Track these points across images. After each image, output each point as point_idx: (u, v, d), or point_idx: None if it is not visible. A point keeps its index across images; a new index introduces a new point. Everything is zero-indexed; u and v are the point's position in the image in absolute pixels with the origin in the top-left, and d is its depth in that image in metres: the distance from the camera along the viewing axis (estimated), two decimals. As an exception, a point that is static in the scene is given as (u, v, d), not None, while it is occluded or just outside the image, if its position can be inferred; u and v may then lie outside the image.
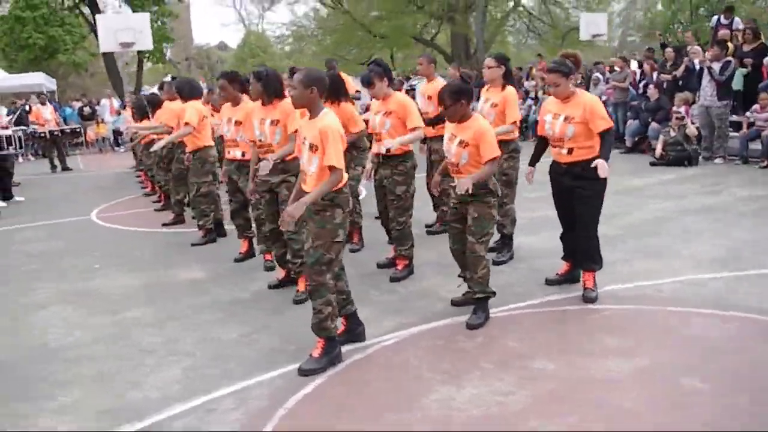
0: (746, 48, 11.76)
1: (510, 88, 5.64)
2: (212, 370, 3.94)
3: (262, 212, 5.30)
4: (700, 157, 10.92)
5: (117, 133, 19.05)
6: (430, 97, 6.50)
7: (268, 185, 5.06)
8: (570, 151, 4.66)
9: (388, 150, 5.31)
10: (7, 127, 10.65)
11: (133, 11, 23.71)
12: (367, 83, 5.51)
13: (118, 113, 19.58)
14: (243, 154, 5.70)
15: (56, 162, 14.90)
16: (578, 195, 4.70)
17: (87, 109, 19.50)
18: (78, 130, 15.89)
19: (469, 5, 27.83)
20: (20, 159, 14.82)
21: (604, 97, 14.46)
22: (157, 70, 37.67)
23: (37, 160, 17.30)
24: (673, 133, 11.32)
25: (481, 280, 4.41)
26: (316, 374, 3.79)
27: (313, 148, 3.85)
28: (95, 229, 8.30)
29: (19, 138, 11.67)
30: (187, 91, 6.95)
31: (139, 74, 26.62)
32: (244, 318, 4.79)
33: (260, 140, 5.07)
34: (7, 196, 10.44)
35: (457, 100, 4.35)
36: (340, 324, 4.06)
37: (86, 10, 25.92)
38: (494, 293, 4.48)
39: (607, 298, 4.74)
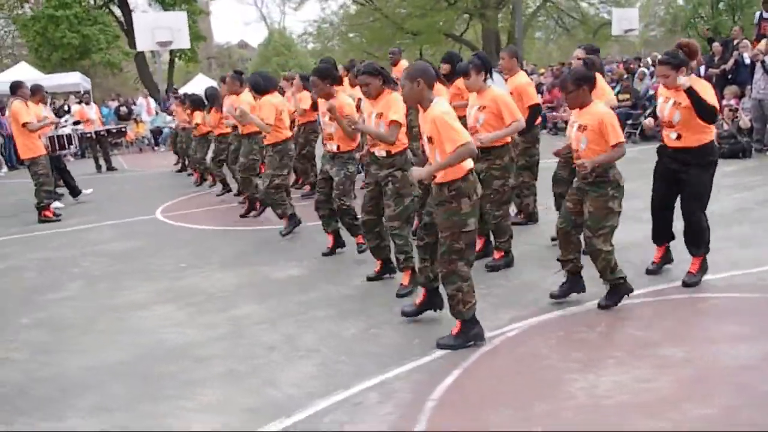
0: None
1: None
2: (344, 366, 3.92)
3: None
4: (753, 149, 10.83)
5: (156, 132, 19.16)
6: (512, 93, 6.45)
7: (375, 178, 5.06)
8: (678, 136, 4.67)
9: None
10: (63, 125, 10.61)
11: (164, 10, 23.81)
12: (464, 73, 5.50)
13: (156, 113, 19.72)
14: (338, 147, 5.70)
15: (101, 162, 14.99)
16: (685, 181, 4.71)
17: (123, 109, 19.60)
18: (123, 129, 15.96)
19: (500, 1, 27.75)
20: (71, 159, 14.92)
21: (651, 92, 14.38)
22: (181, 69, 37.88)
23: (77, 160, 17.38)
24: (726, 126, 11.21)
25: (602, 271, 4.45)
26: (452, 350, 3.97)
27: (431, 141, 3.88)
28: (165, 227, 8.32)
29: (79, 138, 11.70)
30: (262, 86, 6.94)
31: (171, 73, 26.72)
32: (357, 313, 4.76)
33: None
34: (76, 193, 10.51)
35: (579, 86, 4.35)
36: (473, 308, 4.04)
37: (116, 11, 26.10)
38: (624, 278, 4.48)
39: (710, 287, 4.78)
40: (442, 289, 4.22)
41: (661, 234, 5.05)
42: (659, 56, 4.85)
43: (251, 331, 4.58)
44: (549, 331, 4.27)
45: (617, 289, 4.50)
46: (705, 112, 4.46)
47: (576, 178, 4.53)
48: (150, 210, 9.40)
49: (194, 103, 10.44)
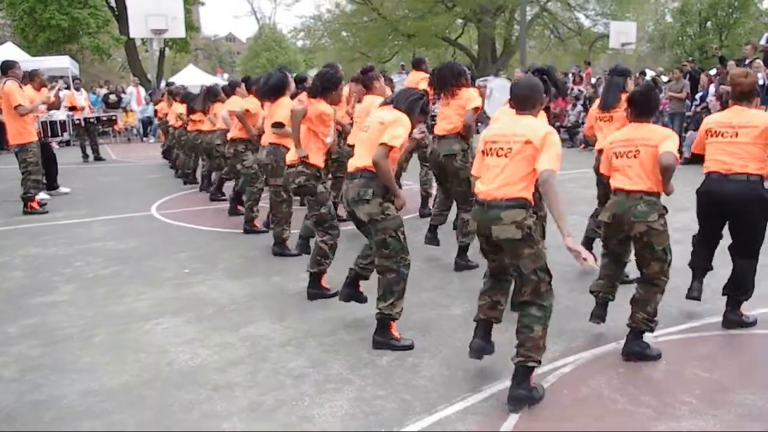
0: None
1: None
2: (385, 402, 3.44)
3: None
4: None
5: (146, 122, 18.50)
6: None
7: None
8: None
9: None
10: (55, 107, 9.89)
11: (158, -2, 23.11)
12: None
13: (146, 102, 19.04)
14: None
15: (88, 151, 14.33)
16: (739, 217, 4.26)
17: (113, 97, 18.90)
18: (114, 118, 15.28)
19: (498, 7, 27.44)
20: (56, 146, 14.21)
21: (659, 108, 14.10)
22: (168, 59, 37.06)
23: (62, 148, 16.62)
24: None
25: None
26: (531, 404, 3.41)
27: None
28: (163, 226, 7.76)
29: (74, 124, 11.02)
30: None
31: (161, 63, 25.97)
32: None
33: None
34: (54, 186, 9.88)
35: None
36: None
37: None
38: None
39: (763, 322, 4.40)
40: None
41: (702, 271, 4.67)
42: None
43: (273, 355, 4.08)
44: (608, 367, 3.86)
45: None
46: None
47: None
48: (145, 206, 8.84)
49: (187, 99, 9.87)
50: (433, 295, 5.11)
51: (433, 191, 7.13)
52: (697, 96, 14.02)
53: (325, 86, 5.19)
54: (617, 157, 4.03)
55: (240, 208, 7.81)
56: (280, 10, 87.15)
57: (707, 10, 39.54)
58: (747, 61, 13.09)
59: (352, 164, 4.13)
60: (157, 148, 15.76)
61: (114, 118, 15.52)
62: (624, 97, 5.26)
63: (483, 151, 3.53)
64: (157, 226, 7.80)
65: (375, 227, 4.02)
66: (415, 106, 4.13)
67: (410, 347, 4.12)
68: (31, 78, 8.61)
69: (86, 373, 3.86)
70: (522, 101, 3.53)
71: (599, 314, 4.27)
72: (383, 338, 4.14)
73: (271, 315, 4.74)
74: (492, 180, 3.38)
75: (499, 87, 7.83)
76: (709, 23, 40.08)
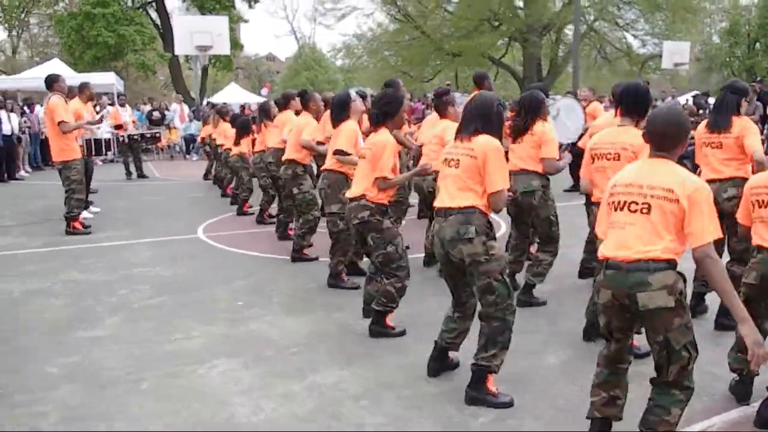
0: None
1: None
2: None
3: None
4: None
5: (188, 140, 18.27)
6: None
7: None
8: None
9: None
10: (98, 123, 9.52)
11: (202, 15, 23.04)
12: None
13: (189, 120, 18.84)
14: None
15: (131, 168, 14.07)
16: None
17: (156, 114, 18.72)
18: (157, 135, 15.02)
19: (545, 26, 26.88)
20: (99, 163, 14.00)
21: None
22: (209, 77, 37.19)
23: (104, 164, 16.45)
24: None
25: None
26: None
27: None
28: (211, 250, 7.30)
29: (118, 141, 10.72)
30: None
31: (204, 81, 25.92)
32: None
33: None
34: (86, 206, 9.44)
35: None
36: None
37: (153, 13, 25.41)
38: None
39: None
40: None
41: None
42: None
43: (345, 410, 3.52)
44: None
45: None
46: None
47: None
48: (191, 228, 8.40)
49: (243, 127, 9.49)
50: (519, 340, 4.47)
51: None
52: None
53: (386, 111, 4.61)
54: (761, 206, 3.41)
55: (291, 232, 7.35)
56: (320, 29, 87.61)
57: (756, 31, 38.55)
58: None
59: (444, 202, 3.59)
60: (200, 166, 15.48)
61: (158, 135, 15.26)
62: (735, 120, 4.65)
63: (609, 204, 2.92)
64: (204, 250, 7.33)
65: (478, 270, 3.46)
66: (500, 121, 3.61)
67: (509, 405, 3.53)
68: (80, 90, 8.28)
69: (135, 424, 3.36)
70: (659, 140, 2.82)
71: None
72: (478, 393, 3.55)
73: (338, 359, 4.19)
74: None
75: (566, 107, 7.15)
76: (758, 44, 39.06)
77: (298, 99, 7.62)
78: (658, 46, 28.09)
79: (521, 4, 27.58)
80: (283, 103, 7.92)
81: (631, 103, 4.15)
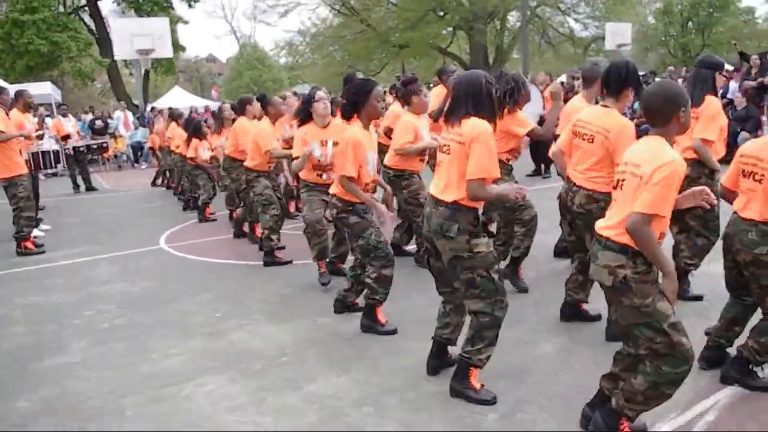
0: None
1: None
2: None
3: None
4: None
5: (136, 147, 17.63)
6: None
7: None
8: None
9: None
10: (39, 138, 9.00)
11: (139, 17, 22.27)
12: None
13: (135, 127, 18.21)
14: None
15: (79, 181, 13.48)
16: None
17: (99, 123, 17.99)
18: (105, 144, 14.39)
19: (490, 14, 26.97)
20: (42, 177, 13.33)
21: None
22: (151, 82, 36.14)
23: (47, 179, 15.74)
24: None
25: None
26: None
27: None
28: (177, 261, 6.96)
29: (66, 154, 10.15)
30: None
31: (146, 85, 25.09)
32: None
33: None
34: (36, 223, 8.89)
35: None
36: None
37: (87, 18, 24.45)
38: None
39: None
40: None
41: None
42: None
43: (350, 419, 3.32)
44: (757, 411, 3.18)
45: None
46: None
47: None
48: (152, 239, 8.02)
49: (195, 130, 9.15)
50: (510, 332, 4.20)
51: None
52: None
53: (355, 101, 4.38)
54: (745, 177, 3.35)
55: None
56: (260, 27, 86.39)
57: (689, 10, 39.80)
58: (770, 55, 12.61)
59: (435, 191, 3.42)
60: (150, 174, 14.94)
61: (105, 145, 14.64)
62: (708, 98, 4.52)
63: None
64: (170, 261, 6.99)
65: (461, 264, 3.31)
66: (491, 99, 3.35)
67: (489, 402, 3.39)
68: (15, 99, 7.78)
69: (125, 461, 3.09)
70: (650, 116, 2.74)
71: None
72: (461, 386, 3.46)
73: (332, 367, 3.98)
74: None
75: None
76: (690, 23, 40.19)
77: (256, 104, 7.34)
78: (599, 28, 28.53)
79: (464, -8, 27.63)
80: (239, 109, 7.59)
81: (615, 82, 4.02)
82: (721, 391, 3.40)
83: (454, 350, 3.76)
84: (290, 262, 6.39)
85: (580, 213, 4.03)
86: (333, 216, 4.59)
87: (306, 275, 5.85)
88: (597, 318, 4.43)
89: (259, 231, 7.33)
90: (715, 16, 39.12)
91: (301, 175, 5.57)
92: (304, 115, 5.51)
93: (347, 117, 4.46)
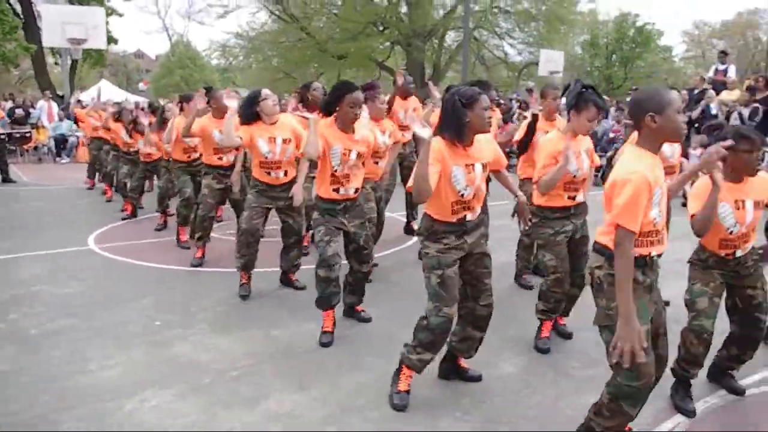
0: (759, 95, 11.57)
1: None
2: None
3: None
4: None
5: (59, 141, 16.69)
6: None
7: None
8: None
9: None
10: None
11: (71, 4, 21.22)
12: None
13: (60, 119, 17.27)
14: None
15: (-4, 172, 12.62)
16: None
17: (20, 112, 16.96)
18: (28, 134, 13.50)
19: (429, 32, 27.23)
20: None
21: (612, 134, 13.98)
22: (77, 73, 34.53)
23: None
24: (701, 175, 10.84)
25: None
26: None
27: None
28: (110, 264, 6.52)
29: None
30: None
31: (73, 76, 23.90)
32: (450, 399, 3.51)
33: None
34: None
35: None
36: None
37: (13, 0, 23.10)
38: None
39: None
40: None
41: None
42: None
43: (315, 441, 3.13)
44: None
45: None
46: None
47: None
48: (80, 238, 7.53)
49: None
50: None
51: None
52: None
53: (327, 101, 4.39)
54: None
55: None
56: (194, 26, 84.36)
57: (613, 44, 41.61)
58: (696, 91, 13.21)
59: None
60: (73, 169, 14.20)
61: (28, 134, 13.76)
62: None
63: None
64: (101, 263, 6.55)
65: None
66: (454, 117, 3.30)
67: (396, 408, 3.45)
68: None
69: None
70: (631, 118, 2.77)
71: None
72: (392, 381, 3.58)
73: (289, 383, 3.77)
74: None
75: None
76: (614, 56, 42.06)
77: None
78: (532, 54, 29.28)
79: (405, 9, 27.76)
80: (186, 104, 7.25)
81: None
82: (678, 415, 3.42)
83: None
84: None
85: None
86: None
87: (259, 284, 5.58)
88: (568, 336, 4.49)
89: (183, 236, 7.14)
90: (637, 51, 41.12)
91: (253, 173, 5.33)
92: (249, 115, 5.24)
93: (325, 114, 4.42)
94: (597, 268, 2.75)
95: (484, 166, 3.42)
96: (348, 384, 3.75)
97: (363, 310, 4.82)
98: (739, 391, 3.66)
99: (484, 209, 3.79)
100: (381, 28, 27.33)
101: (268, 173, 5.20)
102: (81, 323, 4.76)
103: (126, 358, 4.12)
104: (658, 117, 2.57)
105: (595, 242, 2.79)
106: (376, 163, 5.57)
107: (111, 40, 25.09)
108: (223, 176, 6.28)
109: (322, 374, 3.89)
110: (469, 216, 3.43)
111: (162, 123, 7.74)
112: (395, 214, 8.12)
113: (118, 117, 9.27)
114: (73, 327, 4.68)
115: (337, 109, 4.29)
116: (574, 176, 4.14)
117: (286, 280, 5.59)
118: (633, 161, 2.59)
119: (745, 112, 11.31)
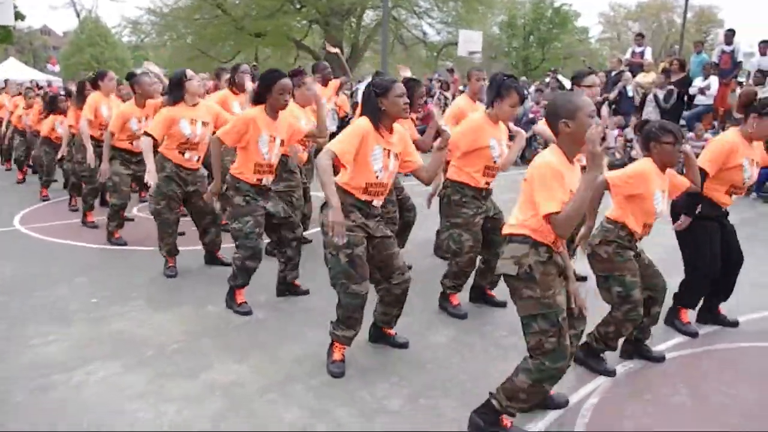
0: (673, 78, 12.30)
1: None
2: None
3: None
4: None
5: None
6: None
7: None
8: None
9: None
10: None
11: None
12: None
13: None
14: None
15: None
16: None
17: None
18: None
19: (347, 10, 27.23)
20: None
21: (531, 115, 14.54)
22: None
23: None
24: (618, 156, 11.54)
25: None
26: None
27: None
28: (38, 244, 6.49)
29: None
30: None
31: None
32: (386, 368, 3.81)
33: None
34: None
35: None
36: None
37: None
38: None
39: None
40: None
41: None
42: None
43: (258, 406, 3.38)
44: (635, 391, 3.62)
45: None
46: None
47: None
48: (5, 219, 7.42)
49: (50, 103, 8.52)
50: (405, 321, 4.52)
51: None
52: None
53: (258, 90, 4.55)
54: None
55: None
56: (104, 2, 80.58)
57: (531, 25, 42.37)
58: (614, 73, 13.80)
59: None
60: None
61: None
62: None
63: None
64: (28, 244, 6.52)
65: None
66: (369, 105, 3.64)
67: (333, 374, 3.72)
68: None
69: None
70: (548, 125, 3.00)
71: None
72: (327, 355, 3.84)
73: (229, 354, 3.99)
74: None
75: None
76: (531, 37, 43.02)
77: (114, 80, 7.05)
78: (451, 34, 29.74)
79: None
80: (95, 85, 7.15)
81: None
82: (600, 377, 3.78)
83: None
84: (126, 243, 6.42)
85: None
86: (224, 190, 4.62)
87: (189, 262, 5.72)
88: (503, 305, 4.77)
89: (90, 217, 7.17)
90: (554, 33, 42.04)
91: (164, 153, 5.39)
92: (176, 94, 5.34)
93: (255, 103, 4.57)
94: (524, 257, 2.87)
95: (396, 156, 3.70)
96: (287, 355, 4.00)
97: (299, 285, 5.04)
98: (659, 359, 4.01)
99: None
100: (298, 6, 27.11)
101: (183, 154, 5.32)
102: (15, 302, 4.81)
103: (67, 334, 4.23)
104: (570, 122, 2.81)
105: (512, 234, 2.94)
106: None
107: (18, 15, 23.92)
108: (129, 162, 6.33)
109: (260, 347, 4.11)
110: (376, 202, 3.74)
111: (81, 101, 7.59)
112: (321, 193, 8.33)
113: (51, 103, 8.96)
114: (8, 305, 4.73)
115: (268, 96, 4.46)
116: (495, 162, 4.48)
117: (213, 259, 5.76)
118: (546, 155, 2.86)
119: (661, 94, 11.76)
